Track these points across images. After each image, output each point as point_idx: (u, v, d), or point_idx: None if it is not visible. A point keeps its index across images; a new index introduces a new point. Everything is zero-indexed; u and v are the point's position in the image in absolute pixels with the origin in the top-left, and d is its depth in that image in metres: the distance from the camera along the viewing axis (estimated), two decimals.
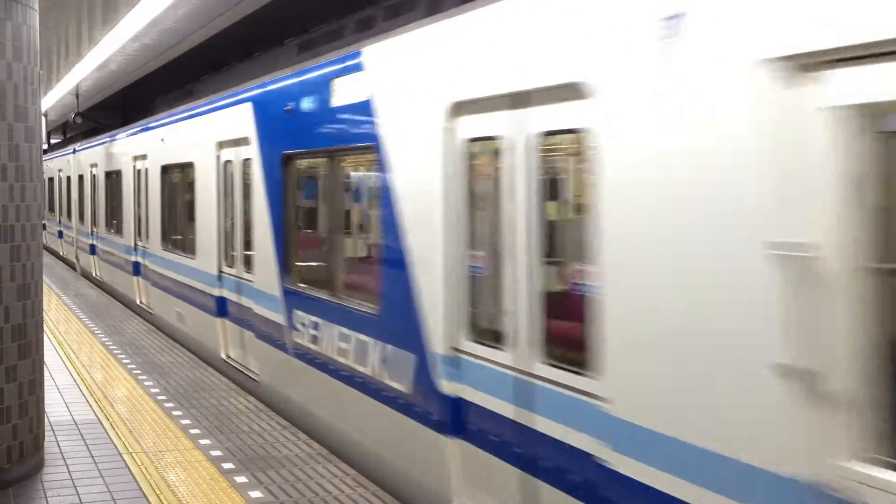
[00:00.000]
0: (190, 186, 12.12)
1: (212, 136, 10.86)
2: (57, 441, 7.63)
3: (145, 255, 15.06)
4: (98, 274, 20.09)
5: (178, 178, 13.13)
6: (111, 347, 12.10)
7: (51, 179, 29.40)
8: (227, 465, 7.04)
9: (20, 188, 6.70)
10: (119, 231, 17.26)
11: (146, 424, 8.23)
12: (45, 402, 7.77)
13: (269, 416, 8.54)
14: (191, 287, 11.99)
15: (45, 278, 19.44)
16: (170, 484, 6.61)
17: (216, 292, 10.84)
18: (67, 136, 32.21)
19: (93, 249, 20.60)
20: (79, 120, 23.08)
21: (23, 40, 6.71)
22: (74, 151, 23.36)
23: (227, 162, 10.45)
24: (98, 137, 20.31)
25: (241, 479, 6.73)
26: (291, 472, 6.88)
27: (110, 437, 7.78)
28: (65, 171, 25.61)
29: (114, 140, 18.04)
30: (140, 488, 6.52)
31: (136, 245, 15.71)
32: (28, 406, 6.77)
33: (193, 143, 11.79)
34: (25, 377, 6.73)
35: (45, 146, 31.30)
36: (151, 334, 13.24)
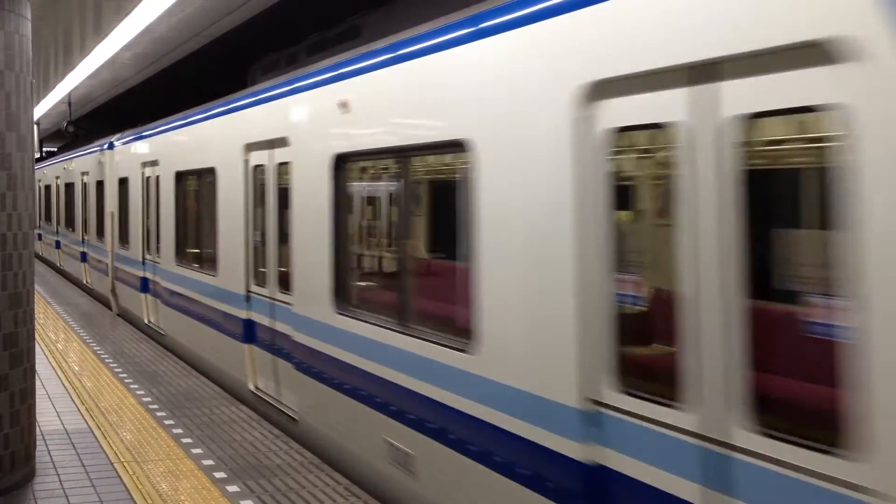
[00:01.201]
0: (437, 195, 6.62)
1: (560, 73, 4.63)
2: (48, 450, 7.61)
3: (276, 315, 8.77)
4: (154, 321, 14.05)
5: (395, 180, 6.64)
6: (103, 356, 12.06)
7: (69, 185, 22.89)
8: (219, 475, 7.03)
9: (12, 197, 6.69)
10: (206, 265, 11.14)
11: (138, 433, 8.21)
12: (37, 411, 7.76)
13: (261, 426, 8.52)
14: (440, 406, 5.74)
15: (38, 287, 19.33)
16: (161, 493, 6.60)
17: (559, 445, 4.62)
18: (72, 135, 23.82)
19: (145, 285, 14.37)
20: (71, 128, 22.77)
21: (15, 49, 6.72)
22: (111, 146, 17.20)
23: (636, 129, 4.24)
24: (158, 123, 13.87)
25: (233, 488, 6.72)
26: (283, 482, 6.87)
27: (102, 447, 7.76)
28: (93, 173, 19.02)
29: (194, 122, 11.71)
30: (131, 497, 6.50)
31: (248, 292, 9.52)
32: (19, 415, 6.76)
33: (465, 97, 5.48)
34: (17, 386, 6.72)
35: (37, 154, 30.57)
36: (144, 343, 13.20)
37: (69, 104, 21.43)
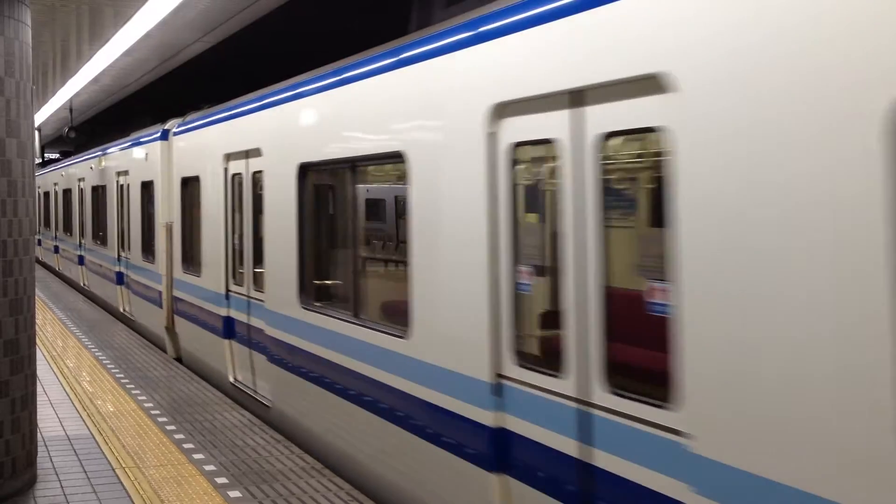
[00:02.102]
0: None
1: None
2: (50, 456, 7.61)
3: (603, 437, 4.40)
4: (246, 381, 9.84)
5: None
6: (104, 362, 12.07)
7: (98, 189, 18.75)
8: (221, 480, 7.02)
9: (12, 203, 6.70)
10: (378, 316, 6.97)
11: (139, 439, 8.21)
12: (38, 417, 7.77)
13: (262, 431, 8.52)
14: None
15: (39, 293, 19.31)
16: (163, 499, 6.59)
17: None
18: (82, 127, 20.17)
19: (229, 329, 10.19)
20: (72, 134, 22.77)
21: (15, 55, 6.73)
22: (164, 136, 13.10)
23: None
24: (261, 95, 9.26)
25: (234, 493, 6.72)
26: (285, 486, 6.87)
27: (103, 452, 7.76)
28: (136, 172, 14.93)
29: (352, 80, 7.10)
30: (133, 503, 6.50)
31: (501, 377, 5.20)
32: (20, 421, 6.76)
33: None
34: (18, 392, 6.72)
35: (38, 160, 30.12)
36: (144, 349, 13.20)
37: (70, 110, 21.46)
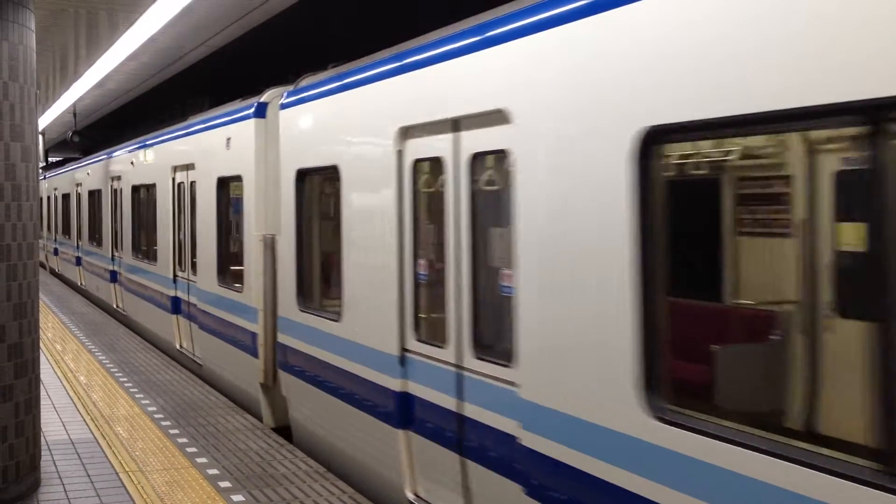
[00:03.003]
0: None
1: None
2: (53, 460, 7.61)
3: None
4: (433, 497, 6.03)
5: None
6: (108, 366, 12.07)
7: (142, 189, 15.02)
8: (224, 484, 7.03)
9: (16, 207, 6.71)
10: None
11: (143, 443, 8.21)
12: (42, 421, 7.77)
13: (265, 434, 8.52)
14: None
15: (43, 297, 19.26)
16: (166, 503, 6.59)
17: None
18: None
19: (405, 412, 6.30)
20: (76, 138, 22.81)
21: (19, 60, 6.74)
22: (260, 111, 9.46)
23: None
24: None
25: (237, 497, 6.72)
26: (288, 490, 6.87)
27: (107, 456, 7.77)
28: (206, 167, 11.11)
29: None
30: None
31: None
32: (24, 425, 6.76)
33: None
34: (21, 396, 6.73)
35: (42, 164, 29.78)
36: (148, 352, 13.21)
37: (74, 114, 21.50)
